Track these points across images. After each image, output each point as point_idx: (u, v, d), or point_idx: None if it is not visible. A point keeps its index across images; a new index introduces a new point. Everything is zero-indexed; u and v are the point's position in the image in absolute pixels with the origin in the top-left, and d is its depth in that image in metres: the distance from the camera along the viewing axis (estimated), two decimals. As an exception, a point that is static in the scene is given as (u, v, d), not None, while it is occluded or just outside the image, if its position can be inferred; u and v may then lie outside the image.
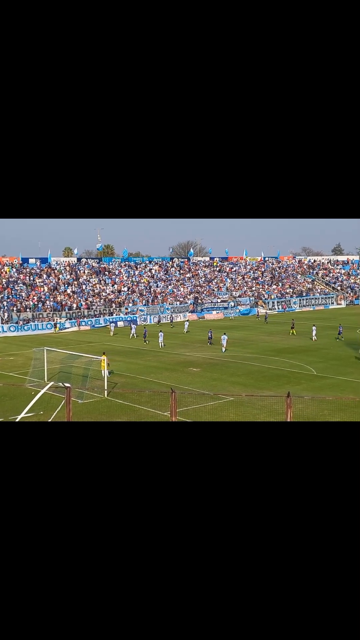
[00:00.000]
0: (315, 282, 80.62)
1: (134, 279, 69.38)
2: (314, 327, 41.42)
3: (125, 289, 66.10)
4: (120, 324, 56.77)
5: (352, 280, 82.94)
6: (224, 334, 38.33)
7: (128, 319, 57.64)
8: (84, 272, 67.29)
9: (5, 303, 55.27)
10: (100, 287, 64.76)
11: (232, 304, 66.98)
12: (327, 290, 78.91)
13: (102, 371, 26.49)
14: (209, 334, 40.99)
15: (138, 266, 72.97)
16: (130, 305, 61.70)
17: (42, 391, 20.54)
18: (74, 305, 58.67)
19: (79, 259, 70.30)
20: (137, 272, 71.14)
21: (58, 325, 53.28)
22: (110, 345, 41.20)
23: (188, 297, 67.17)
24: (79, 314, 57.32)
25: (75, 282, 64.21)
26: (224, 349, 36.35)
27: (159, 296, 65.73)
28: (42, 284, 61.83)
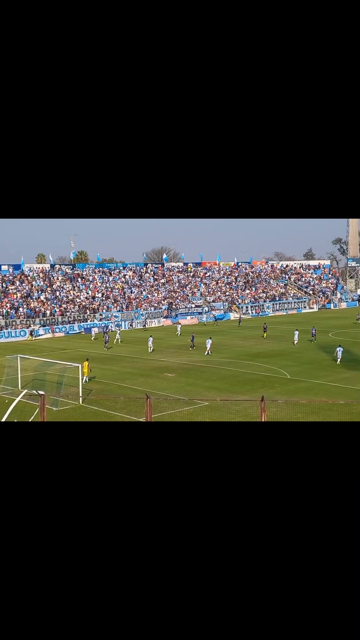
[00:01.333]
0: (288, 287, 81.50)
1: (108, 285, 69.22)
2: (296, 332, 41.84)
3: (100, 295, 65.91)
4: (94, 330, 56.52)
5: (324, 285, 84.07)
6: (209, 338, 38.83)
7: (102, 324, 57.48)
8: (58, 279, 66.88)
9: (-23, 310, 54.59)
10: (74, 294, 64.44)
11: (206, 309, 67.28)
12: (300, 294, 79.84)
13: (84, 377, 27.14)
14: (191, 338, 41.48)
15: (112, 272, 72.83)
16: (105, 311, 61.51)
17: (17, 399, 20.40)
18: (48, 312, 58.26)
19: (52, 266, 69.85)
20: (111, 278, 70.99)
21: (33, 333, 52.83)
22: (84, 352, 41.02)
23: (162, 302, 67.28)
24: (53, 320, 56.94)
25: (49, 289, 63.79)
26: (209, 352, 36.71)
27: (133, 302, 65.70)
28: (15, 290, 61.26)
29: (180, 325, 54.74)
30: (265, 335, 45.56)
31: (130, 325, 58.02)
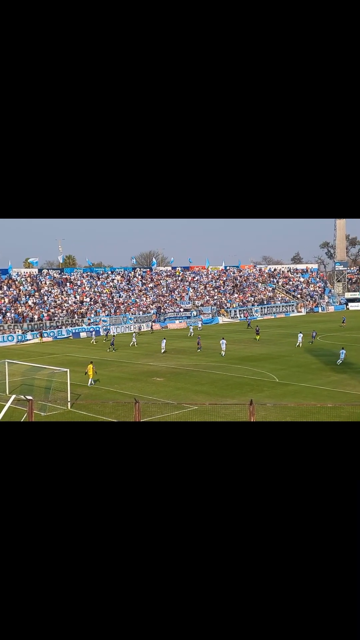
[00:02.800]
0: (276, 291, 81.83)
1: (96, 289, 69.10)
2: (300, 334, 42.35)
3: (88, 299, 65.76)
4: (82, 334, 56.39)
5: (312, 288, 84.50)
6: (223, 338, 39.46)
7: (91, 329, 57.35)
8: (46, 283, 66.65)
9: (-36, 315, 54.27)
10: (62, 298, 64.25)
11: (195, 313, 67.36)
12: (288, 298, 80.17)
13: (89, 380, 28.73)
14: (198, 341, 42.74)
15: (100, 276, 72.72)
16: (93, 315, 61.39)
17: (7, 406, 20.29)
18: (36, 317, 58.02)
19: (40, 270, 69.61)
20: (99, 283, 70.89)
21: (19, 337, 52.63)
22: (73, 356, 40.91)
23: (151, 306, 67.27)
24: (41, 325, 56.72)
25: (37, 294, 63.54)
26: (223, 353, 37.56)
27: (121, 306, 65.63)
28: (2, 295, 60.97)
29: (192, 327, 55.19)
30: (258, 337, 45.95)
31: (150, 327, 58.92)
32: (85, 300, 65.28)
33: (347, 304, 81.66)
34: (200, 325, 59.70)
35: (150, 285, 74.18)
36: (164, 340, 41.82)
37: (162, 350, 40.81)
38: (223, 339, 39.51)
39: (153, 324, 61.63)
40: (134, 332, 52.88)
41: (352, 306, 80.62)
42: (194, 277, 79.48)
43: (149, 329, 59.66)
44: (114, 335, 49.93)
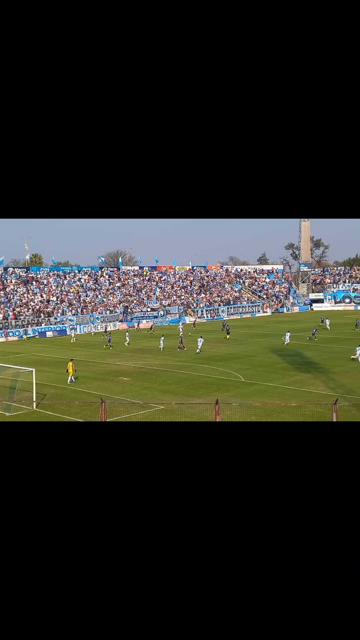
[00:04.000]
0: (242, 291, 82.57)
1: (63, 288, 68.56)
2: (287, 333, 43.76)
3: (55, 298, 65.20)
4: (49, 334, 55.92)
5: (277, 289, 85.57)
6: (200, 337, 40.92)
7: (71, 327, 56.88)
8: (11, 282, 65.81)
9: None
10: (28, 297, 63.55)
11: (162, 313, 67.48)
12: (254, 298, 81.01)
13: (69, 377, 29.13)
14: (180, 339, 43.31)
15: (67, 275, 72.18)
16: (60, 315, 60.91)
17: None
18: (1, 316, 57.26)
19: (5, 269, 68.69)
20: (66, 282, 70.35)
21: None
22: (39, 356, 40.54)
23: (118, 306, 67.11)
24: (6, 324, 56.00)
25: (2, 292, 62.69)
26: (198, 351, 38.71)
27: (89, 305, 65.28)
28: (-34, 294, 59.98)
29: (182, 325, 55.46)
30: (228, 337, 46.43)
31: (150, 327, 58.39)
32: (51, 299, 64.70)
33: (311, 305, 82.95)
34: (191, 323, 60.74)
35: (118, 284, 73.99)
36: (162, 338, 42.37)
37: (161, 348, 41.30)
38: (201, 337, 40.63)
39: (120, 323, 61.50)
40: (129, 329, 52.67)
41: (316, 307, 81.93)
42: (161, 277, 79.60)
43: (150, 329, 58.98)
44: (109, 333, 49.71)
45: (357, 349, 34.10)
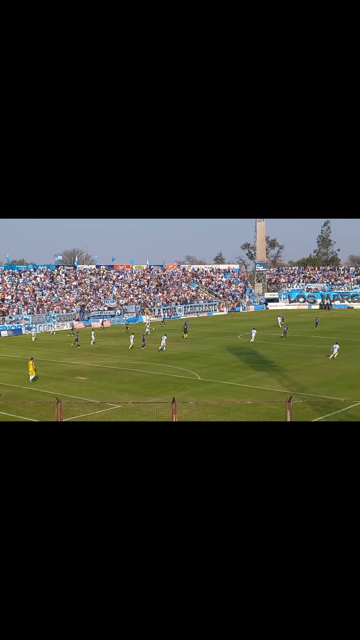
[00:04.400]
0: (199, 290, 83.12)
1: (18, 287, 67.48)
2: (253, 330, 44.89)
3: (10, 297, 64.12)
4: (4, 333, 54.99)
5: (233, 288, 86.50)
6: (165, 334, 41.34)
7: (32, 325, 55.94)
8: (-36, 280, 64.41)
9: None
10: (-19, 296, 62.31)
11: (119, 312, 67.28)
12: (211, 297, 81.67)
13: (30, 376, 28.87)
14: (143, 337, 43.48)
15: (22, 274, 71.07)
16: (15, 314, 59.95)
17: None
18: None
19: None
20: (21, 280, 69.26)
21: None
22: (-7, 355, 39.81)
23: (74, 305, 66.53)
24: None
25: None
26: (164, 349, 39.47)
27: (44, 304, 64.48)
28: None
29: (149, 322, 55.34)
30: (186, 336, 46.65)
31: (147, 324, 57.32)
32: (6, 298, 63.61)
33: (266, 304, 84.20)
34: (159, 320, 61.20)
35: (74, 283, 73.34)
36: (164, 337, 41.59)
37: (162, 347, 40.47)
38: (165, 335, 41.14)
39: (76, 322, 60.99)
40: (126, 327, 51.99)
41: (272, 306, 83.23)
42: (118, 276, 79.32)
43: (162, 321, 58.93)
44: (77, 332, 49.33)
45: (334, 346, 34.95)
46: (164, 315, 64.72)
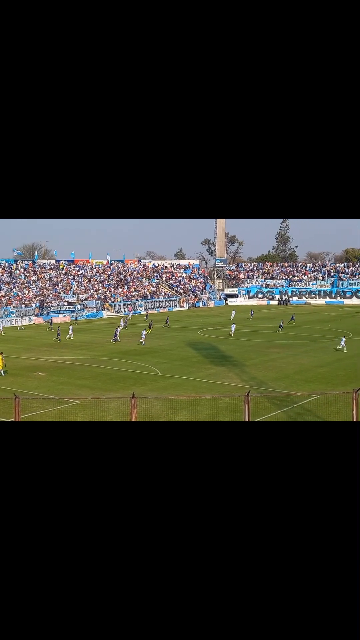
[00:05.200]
0: (160, 286, 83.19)
1: (-26, 281, 66.19)
2: (233, 325, 46.31)
3: (-35, 292, 62.84)
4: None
5: (193, 284, 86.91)
6: (144, 329, 42.45)
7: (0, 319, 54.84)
8: None
9: None
10: None
11: (79, 307, 66.77)
12: (171, 293, 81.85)
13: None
14: (115, 332, 43.79)
15: (-21, 268, 69.72)
16: (-29, 309, 58.81)
17: None
18: None
19: None
20: (-23, 275, 67.94)
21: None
22: None
23: (34, 300, 65.67)
24: None
25: None
26: (142, 342, 40.29)
27: (2, 299, 63.41)
28: None
29: (127, 319, 55.10)
30: (149, 331, 46.69)
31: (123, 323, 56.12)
32: None
33: (226, 300, 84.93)
34: (130, 315, 61.45)
35: (34, 278, 72.36)
36: (144, 331, 42.46)
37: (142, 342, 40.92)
38: (144, 329, 42.55)
39: (35, 317, 60.24)
40: (121, 323, 51.46)
41: (231, 301, 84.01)
42: (78, 271, 78.66)
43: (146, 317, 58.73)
44: (58, 326, 48.59)
45: (342, 339, 36.53)
46: (139, 312, 64.41)
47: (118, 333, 43.52)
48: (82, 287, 74.09)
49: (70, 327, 48.29)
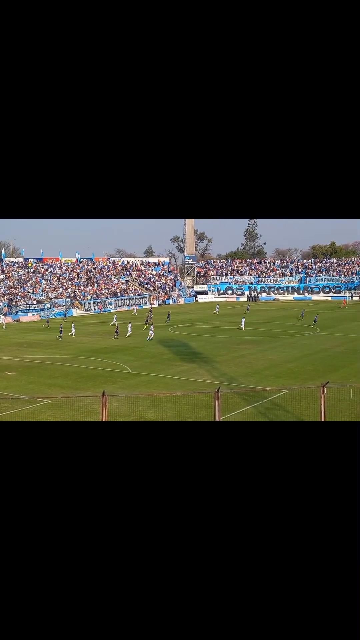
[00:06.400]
0: (129, 283, 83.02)
1: None
2: (243, 319, 47.43)
3: None
4: None
5: (163, 281, 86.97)
6: (151, 325, 44.58)
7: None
8: None
9: None
10: None
11: (49, 306, 66.20)
12: (141, 290, 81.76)
13: None
14: (116, 329, 44.16)
15: None
16: None
17: None
18: None
19: None
20: None
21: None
22: None
23: (2, 299, 64.84)
24: None
25: None
26: (119, 334, 42.22)
27: (-31, 299, 62.48)
28: None
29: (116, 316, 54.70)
30: (145, 327, 46.73)
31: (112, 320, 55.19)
32: None
33: (196, 296, 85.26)
34: (135, 311, 62.93)
35: (1, 276, 71.44)
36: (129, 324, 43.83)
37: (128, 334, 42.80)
38: (130, 322, 43.76)
39: (4, 317, 59.50)
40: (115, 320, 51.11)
41: (201, 298, 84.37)
42: (47, 269, 77.93)
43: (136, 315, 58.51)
44: (60, 324, 48.01)
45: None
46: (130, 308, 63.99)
47: (129, 328, 44.12)
48: (52, 286, 73.45)
49: (72, 324, 47.94)
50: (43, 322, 55.93)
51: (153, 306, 66.94)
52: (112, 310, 68.88)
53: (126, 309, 70.82)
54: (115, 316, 53.16)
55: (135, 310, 63.95)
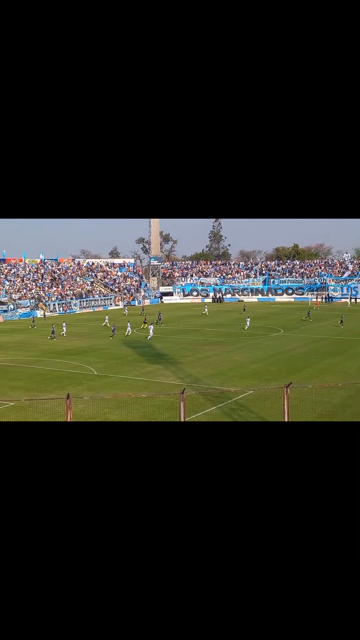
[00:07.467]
0: (95, 284, 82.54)
1: None
2: (248, 319, 48.30)
3: None
4: None
5: (129, 282, 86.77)
6: (151, 324, 44.67)
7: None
8: None
9: None
10: None
11: (12, 307, 65.28)
12: (106, 292, 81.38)
13: None
14: (113, 328, 44.57)
15: None
16: None
17: None
18: None
19: None
20: None
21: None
22: None
23: None
24: None
25: None
26: (114, 333, 42.83)
27: None
28: None
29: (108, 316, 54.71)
30: (144, 326, 46.92)
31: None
32: None
33: (161, 298, 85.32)
34: (126, 311, 63.59)
35: None
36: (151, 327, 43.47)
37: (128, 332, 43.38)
38: (114, 324, 43.94)
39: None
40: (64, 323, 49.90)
41: (167, 299, 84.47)
42: (10, 270, 76.83)
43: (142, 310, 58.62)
44: (53, 324, 47.23)
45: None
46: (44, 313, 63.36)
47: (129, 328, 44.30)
48: (15, 287, 72.45)
49: (64, 323, 47.57)
50: (6, 323, 55.07)
51: (85, 311, 66.89)
52: (87, 311, 68.27)
53: (102, 309, 70.32)
54: (107, 316, 53.39)
55: (126, 310, 64.67)
